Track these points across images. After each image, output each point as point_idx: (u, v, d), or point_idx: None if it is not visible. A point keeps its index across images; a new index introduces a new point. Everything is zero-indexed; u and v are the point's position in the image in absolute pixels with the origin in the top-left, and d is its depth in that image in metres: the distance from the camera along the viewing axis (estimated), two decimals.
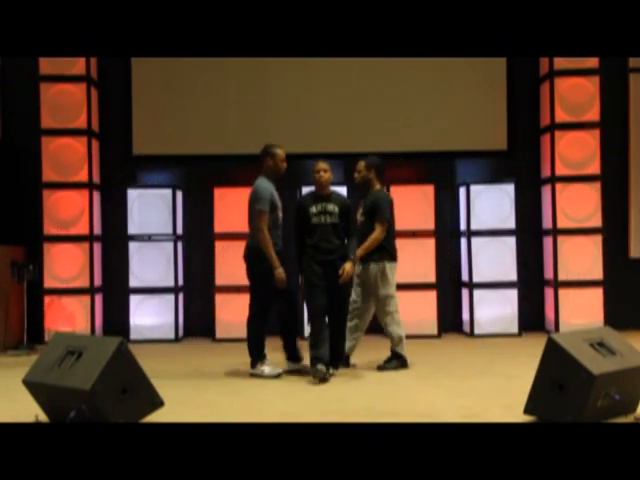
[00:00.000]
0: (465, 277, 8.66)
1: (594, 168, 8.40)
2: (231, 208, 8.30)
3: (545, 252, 8.71)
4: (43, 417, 4.40)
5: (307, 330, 6.12)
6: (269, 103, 8.74)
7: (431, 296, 8.38)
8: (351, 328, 6.26)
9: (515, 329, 8.40)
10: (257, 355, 6.03)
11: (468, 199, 8.54)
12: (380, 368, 6.20)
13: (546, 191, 8.65)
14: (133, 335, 8.33)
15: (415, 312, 8.28)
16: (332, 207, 5.93)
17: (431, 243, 8.42)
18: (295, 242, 6.09)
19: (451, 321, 8.70)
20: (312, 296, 5.89)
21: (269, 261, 5.89)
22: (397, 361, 6.26)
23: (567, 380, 4.12)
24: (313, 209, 5.94)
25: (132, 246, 8.51)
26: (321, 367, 5.66)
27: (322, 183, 5.96)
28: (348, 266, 5.84)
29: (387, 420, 4.42)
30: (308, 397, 5.20)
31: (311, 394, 5.31)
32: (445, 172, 8.86)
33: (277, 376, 5.94)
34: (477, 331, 8.42)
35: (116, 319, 8.53)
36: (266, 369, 5.98)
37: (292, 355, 6.23)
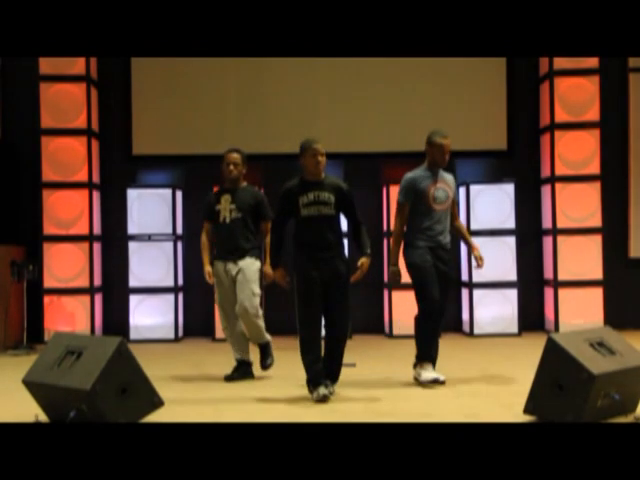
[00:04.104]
0: (465, 277, 8.66)
1: (594, 168, 8.40)
2: None
3: (545, 252, 8.71)
4: (43, 417, 4.39)
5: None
6: (269, 103, 8.74)
7: None
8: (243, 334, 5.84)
9: (515, 329, 8.40)
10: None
11: (468, 199, 8.54)
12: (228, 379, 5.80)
13: (546, 191, 8.65)
14: (133, 335, 8.33)
15: (415, 312, 8.26)
16: (327, 196, 5.05)
17: None
18: (272, 237, 5.29)
19: (451, 321, 8.70)
20: (303, 302, 5.04)
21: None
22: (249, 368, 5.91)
23: (567, 380, 4.12)
24: (304, 199, 5.04)
25: (132, 246, 8.51)
26: (323, 391, 5.01)
27: (320, 170, 5.10)
28: (366, 262, 5.10)
29: (387, 420, 4.42)
30: (308, 397, 5.19)
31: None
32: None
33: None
34: (477, 331, 8.42)
35: (116, 319, 8.53)
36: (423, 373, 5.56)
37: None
